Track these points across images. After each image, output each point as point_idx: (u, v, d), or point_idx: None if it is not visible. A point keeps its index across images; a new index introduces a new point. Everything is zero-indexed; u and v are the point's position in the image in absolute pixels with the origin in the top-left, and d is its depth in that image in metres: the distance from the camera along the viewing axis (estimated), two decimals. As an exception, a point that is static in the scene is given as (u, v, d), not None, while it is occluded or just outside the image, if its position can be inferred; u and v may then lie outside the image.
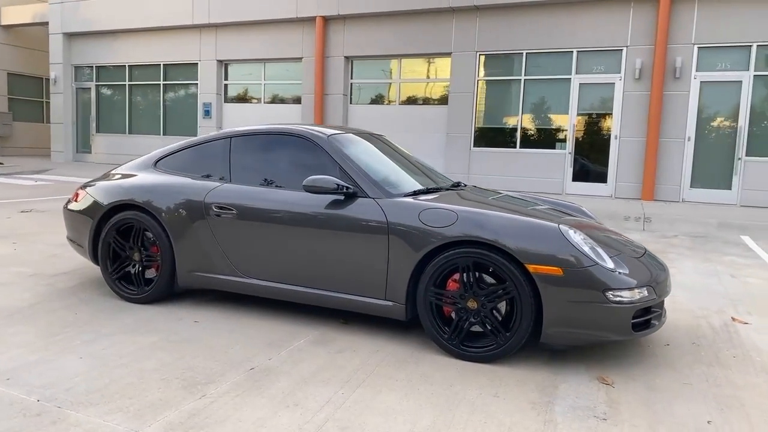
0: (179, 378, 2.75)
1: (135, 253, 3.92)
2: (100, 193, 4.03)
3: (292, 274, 3.49)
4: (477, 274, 3.05)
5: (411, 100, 13.32)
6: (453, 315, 3.14)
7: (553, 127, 11.93)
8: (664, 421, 2.44)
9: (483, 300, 3.02)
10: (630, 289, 2.86)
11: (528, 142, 12.14)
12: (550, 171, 11.87)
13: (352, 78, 13.94)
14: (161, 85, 16.39)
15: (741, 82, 10.37)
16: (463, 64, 12.44)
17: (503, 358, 3.03)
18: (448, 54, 12.67)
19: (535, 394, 2.68)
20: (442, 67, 12.92)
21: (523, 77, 12.04)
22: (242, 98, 15.34)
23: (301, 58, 14.27)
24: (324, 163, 3.59)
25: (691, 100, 10.69)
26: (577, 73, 11.59)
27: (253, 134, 3.88)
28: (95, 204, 4.02)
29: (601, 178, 11.53)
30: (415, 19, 12.81)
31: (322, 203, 3.40)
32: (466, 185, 4.15)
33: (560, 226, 2.98)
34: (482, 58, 12.37)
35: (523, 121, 12.13)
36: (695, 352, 3.31)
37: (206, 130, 15.61)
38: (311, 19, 13.87)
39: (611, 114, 11.39)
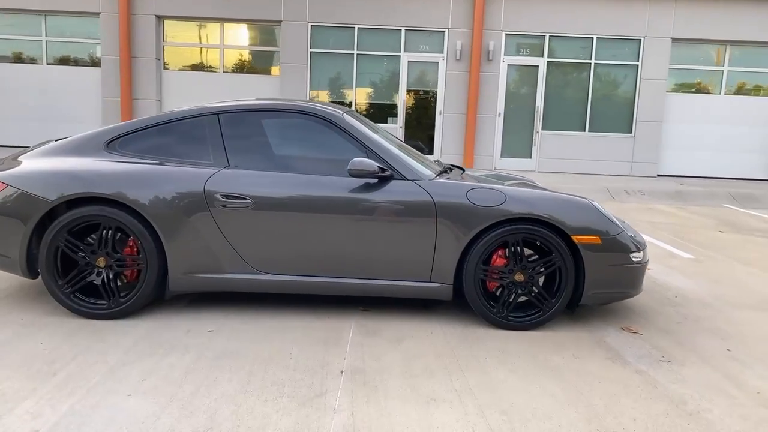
0: (286, 395, 2.41)
1: (100, 259, 3.15)
2: (37, 184, 3.11)
3: (320, 264, 3.23)
4: (522, 248, 3.25)
5: (238, 68, 12.53)
6: (498, 289, 3.31)
7: (386, 102, 12.48)
8: (703, 355, 3.01)
9: (530, 272, 3.24)
10: (641, 250, 3.38)
11: (361, 115, 12.48)
12: (383, 144, 12.44)
13: (165, 40, 12.48)
14: None
15: (538, 66, 12.21)
16: (294, 34, 12.12)
17: (546, 324, 3.32)
18: (277, 22, 12.19)
19: (600, 351, 3.03)
20: (272, 35, 12.39)
21: (355, 51, 12.27)
22: (18, 58, 12.54)
23: (98, 14, 12.22)
24: (339, 142, 3.35)
25: (500, 81, 12.22)
26: (405, 51, 12.26)
27: (249, 111, 3.40)
28: (31, 199, 3.09)
29: (429, 150, 12.53)
30: (239, -18, 11.99)
31: (351, 187, 3.19)
32: (462, 168, 4.18)
33: (593, 201, 3.34)
34: (314, 29, 12.21)
35: (357, 95, 12.42)
36: (659, 299, 4.03)
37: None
38: (110, -32, 11.94)
39: (436, 91, 12.39)
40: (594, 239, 3.21)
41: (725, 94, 12.36)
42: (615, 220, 3.33)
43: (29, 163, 3.24)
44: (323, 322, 3.29)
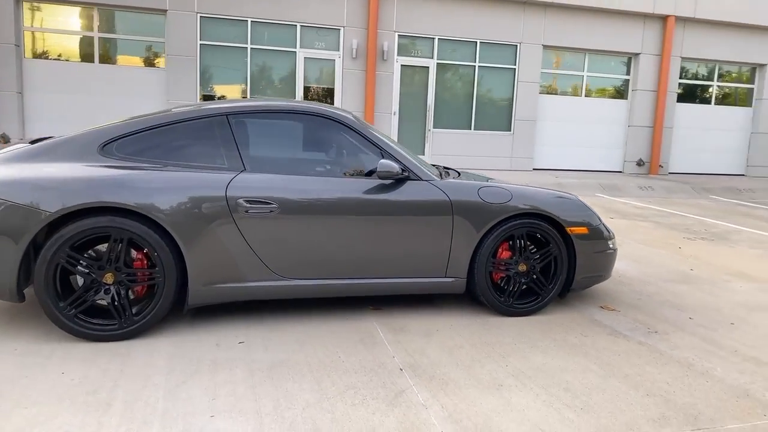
0: (370, 397, 2.43)
1: (107, 274, 2.85)
2: (31, 193, 2.72)
3: (342, 266, 3.24)
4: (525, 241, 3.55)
5: (116, 59, 11.47)
6: (504, 280, 3.58)
7: (282, 98, 12.24)
8: (676, 324, 3.55)
9: (532, 262, 3.55)
10: (613, 238, 3.86)
11: (258, 112, 12.13)
12: (280, 141, 12.22)
13: (25, 25, 11.01)
14: None
15: (428, 67, 12.82)
16: (181, 25, 11.40)
17: (543, 309, 3.65)
18: (162, 11, 11.37)
19: (598, 328, 3.43)
20: (157, 24, 11.53)
21: (249, 45, 11.87)
22: None
23: (-62, -11, 10.43)
24: (350, 144, 3.38)
25: (395, 80, 12.63)
26: (301, 47, 12.14)
27: (260, 111, 3.27)
28: (25, 211, 2.70)
29: (328, 147, 12.56)
30: (117, -35, 10.99)
31: (370, 188, 3.25)
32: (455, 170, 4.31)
33: (577, 196, 3.73)
34: (203, 20, 11.59)
35: (252, 91, 12.03)
36: (610, 280, 4.59)
37: None
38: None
39: (334, 89, 12.44)
40: (583, 230, 3.61)
41: (585, 96, 14.01)
42: (596, 212, 3.76)
43: (10, 170, 2.82)
44: (346, 324, 3.30)
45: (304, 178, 3.18)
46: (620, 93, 14.19)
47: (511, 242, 3.53)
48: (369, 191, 3.24)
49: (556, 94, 13.81)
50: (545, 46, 13.31)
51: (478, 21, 12.73)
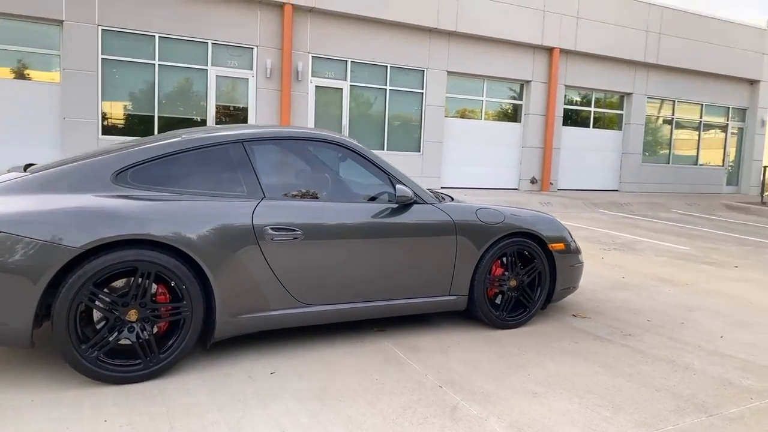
0: (431, 415, 2.53)
1: (132, 311, 2.67)
2: (49, 227, 2.50)
3: (361, 290, 3.30)
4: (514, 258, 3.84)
5: (3, 72, 10.35)
6: (496, 295, 3.83)
7: (193, 117, 11.78)
8: (641, 327, 4.01)
9: (522, 277, 3.85)
10: (581, 252, 4.28)
11: (167, 131, 11.54)
12: (191, 161, 11.71)
13: None
14: None
15: (342, 89, 13.04)
16: (80, 37, 10.59)
17: (530, 320, 3.95)
18: (58, 22, 10.49)
19: (582, 334, 3.79)
20: (53, 36, 10.59)
21: (157, 62, 11.30)
22: None
23: None
24: (361, 170, 3.47)
25: (309, 101, 12.68)
26: (213, 65, 11.79)
27: (274, 138, 3.24)
28: (43, 248, 2.46)
29: (242, 167, 12.25)
30: (4, -31, 9.99)
31: (383, 212, 3.36)
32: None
33: (553, 215, 4.10)
34: (105, 33, 10.85)
35: (160, 109, 11.43)
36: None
37: None
38: None
39: (248, 108, 12.20)
40: (561, 246, 3.98)
41: (485, 119, 15.02)
42: (567, 229, 4.17)
43: (22, 202, 2.56)
44: (362, 346, 3.35)
45: (326, 204, 3.21)
46: (514, 117, 15.39)
47: (503, 260, 3.80)
48: (384, 215, 3.34)
49: (459, 117, 14.65)
50: (449, 72, 14.11)
51: (388, 46, 13.21)
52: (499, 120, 15.21)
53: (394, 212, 3.40)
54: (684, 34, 16.82)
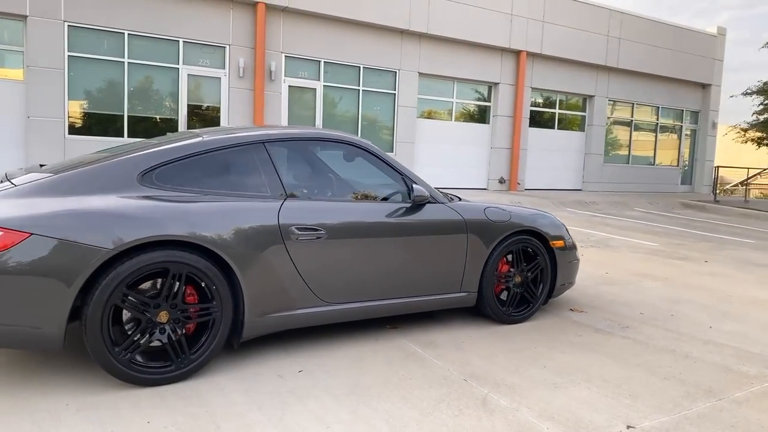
0: (464, 407, 2.62)
1: (162, 313, 2.66)
2: (80, 229, 2.46)
3: (379, 288, 3.36)
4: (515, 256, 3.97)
5: (-37, 69, 9.90)
6: (502, 292, 3.95)
7: (164, 116, 11.53)
8: (637, 319, 4.22)
9: (526, 274, 3.99)
10: (577, 249, 4.46)
11: (137, 131, 11.27)
12: (162, 162, 11.46)
13: None
14: None
15: (315, 89, 13.01)
16: (45, 33, 10.22)
17: (532, 316, 4.09)
18: (22, 17, 10.10)
19: (582, 328, 3.96)
20: (15, 31, 10.18)
21: (126, 60, 11.01)
22: None
23: None
24: (377, 170, 3.53)
25: (283, 101, 12.60)
26: (184, 63, 11.57)
27: (293, 139, 3.27)
28: (77, 249, 2.43)
29: (214, 168, 12.06)
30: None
31: (399, 211, 3.43)
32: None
33: (552, 214, 4.26)
34: (72, 30, 10.51)
35: (129, 108, 11.14)
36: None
37: None
38: None
39: (220, 107, 12.03)
40: (560, 243, 4.14)
41: (455, 120, 15.26)
42: (565, 227, 4.33)
43: (50, 203, 2.51)
44: (380, 344, 3.41)
45: (345, 204, 3.25)
46: (483, 118, 15.68)
47: (507, 257, 3.93)
48: (399, 215, 3.41)
49: (430, 118, 14.84)
50: (420, 74, 14.27)
51: (361, 47, 13.25)
52: (468, 121, 15.47)
53: (409, 211, 3.47)
54: (642, 40, 17.51)
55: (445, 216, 3.59)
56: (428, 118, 14.79)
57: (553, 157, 16.96)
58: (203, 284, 2.75)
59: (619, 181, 18.19)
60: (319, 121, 13.05)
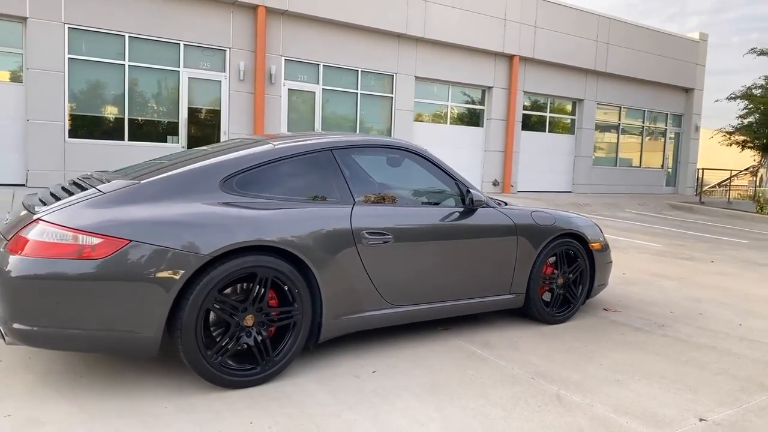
0: (542, 403, 2.73)
1: (249, 316, 2.72)
2: (176, 235, 2.51)
3: (438, 291, 3.46)
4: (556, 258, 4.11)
5: (-39, 71, 9.71)
6: (544, 293, 4.08)
7: (164, 119, 11.46)
8: (669, 318, 4.38)
9: (567, 275, 4.13)
10: (610, 250, 4.62)
11: (137, 134, 11.18)
12: (163, 165, 11.37)
13: None
14: None
15: (315, 92, 13.05)
16: (45, 36, 10.08)
17: (572, 317, 4.23)
18: (22, 18, 9.95)
19: (624, 327, 4.11)
20: (15, 33, 10.02)
21: (126, 62, 10.91)
22: None
23: None
24: (434, 177, 3.63)
25: (282, 104, 12.62)
26: (185, 66, 11.51)
27: (357, 146, 3.36)
28: (175, 255, 2.48)
29: (215, 171, 12.01)
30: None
31: (455, 216, 3.53)
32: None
33: (591, 217, 4.41)
34: (72, 32, 10.39)
35: (130, 111, 11.04)
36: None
37: None
38: None
39: (220, 110, 11.99)
40: (598, 245, 4.29)
41: (450, 123, 15.44)
42: (601, 229, 4.49)
43: (141, 211, 2.55)
44: (438, 345, 3.51)
45: (408, 209, 3.35)
46: (477, 121, 15.90)
47: (551, 259, 4.06)
48: (456, 219, 3.52)
49: (426, 121, 14.99)
50: (417, 77, 14.41)
51: (359, 50, 13.34)
52: (463, 124, 15.66)
53: (464, 216, 3.58)
54: (629, 45, 17.93)
55: (498, 220, 3.71)
56: (424, 121, 14.94)
57: (544, 160, 17.26)
58: (286, 288, 2.82)
59: (608, 183, 18.58)
60: (318, 125, 13.10)
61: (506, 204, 4.12)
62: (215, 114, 11.98)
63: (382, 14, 13.25)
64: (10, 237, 2.48)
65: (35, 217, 2.49)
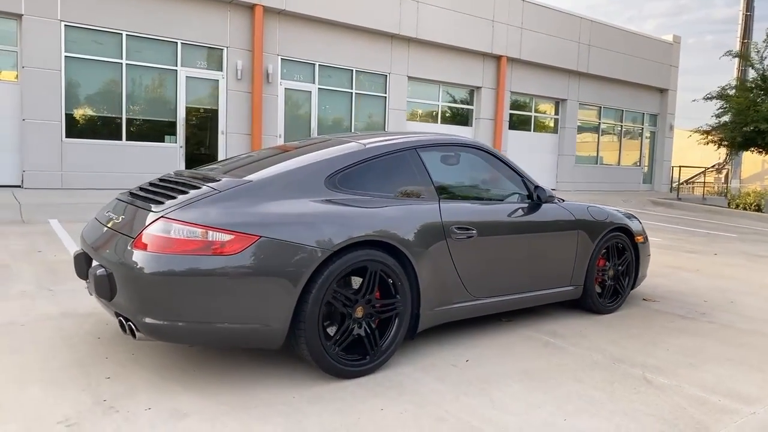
0: (629, 387, 2.90)
1: (359, 308, 2.81)
2: (303, 231, 2.59)
3: (512, 283, 3.61)
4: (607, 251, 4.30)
5: (-46, 69, 9.40)
6: (599, 284, 4.27)
7: (163, 119, 11.30)
8: (705, 308, 4.63)
9: (617, 267, 4.33)
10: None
11: (135, 134, 11.01)
12: (161, 166, 11.23)
13: None
14: None
15: (311, 92, 13.06)
16: (41, 33, 9.85)
17: (620, 307, 4.44)
18: (17, 16, 9.69)
19: (670, 316, 4.33)
20: (10, 31, 9.74)
21: (124, 61, 10.74)
22: None
23: None
24: (503, 174, 3.77)
25: (279, 103, 12.59)
26: (182, 65, 11.39)
27: (437, 145, 3.48)
28: (300, 250, 2.55)
29: (213, 171, 11.91)
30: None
31: (526, 211, 3.69)
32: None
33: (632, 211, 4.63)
34: (69, 29, 10.16)
35: (128, 110, 10.86)
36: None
37: None
38: None
39: (218, 110, 11.89)
40: (641, 238, 4.52)
41: (441, 123, 15.65)
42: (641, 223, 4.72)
43: (265, 207, 2.62)
44: (510, 335, 3.65)
45: (486, 205, 3.49)
46: (466, 121, 16.16)
47: (604, 252, 4.25)
48: (525, 214, 3.67)
49: (417, 120, 15.16)
50: (409, 77, 14.57)
51: (353, 50, 13.41)
52: (453, 124, 15.90)
53: (532, 210, 3.74)
54: (608, 46, 18.48)
55: (561, 215, 3.88)
56: (416, 120, 15.11)
57: (529, 159, 17.63)
58: (390, 281, 2.92)
59: (589, 180, 19.10)
60: (314, 124, 13.12)
61: (564, 200, 4.30)
62: (213, 113, 11.88)
63: (375, 15, 13.35)
64: (136, 235, 2.51)
65: (160, 214, 2.53)
